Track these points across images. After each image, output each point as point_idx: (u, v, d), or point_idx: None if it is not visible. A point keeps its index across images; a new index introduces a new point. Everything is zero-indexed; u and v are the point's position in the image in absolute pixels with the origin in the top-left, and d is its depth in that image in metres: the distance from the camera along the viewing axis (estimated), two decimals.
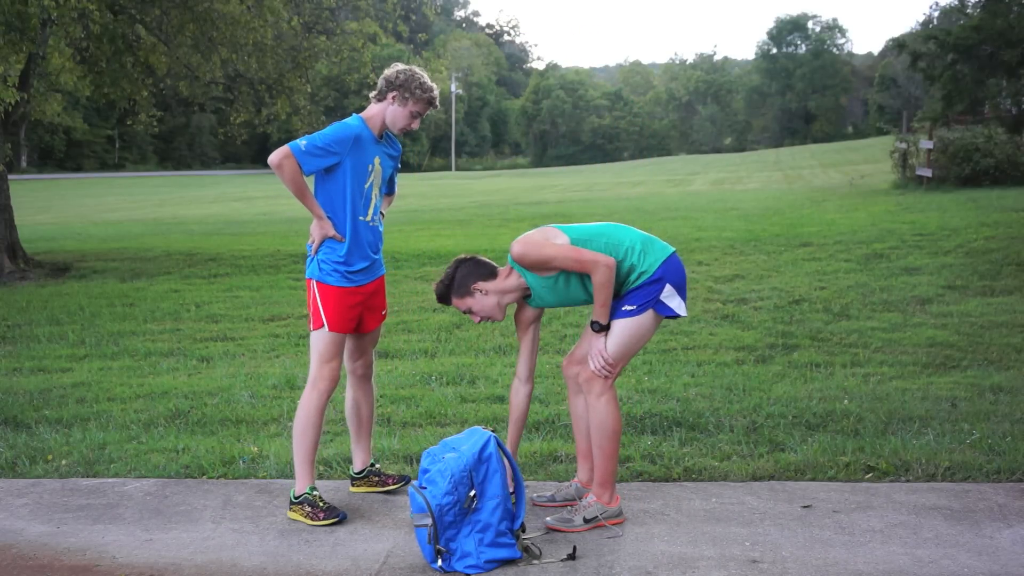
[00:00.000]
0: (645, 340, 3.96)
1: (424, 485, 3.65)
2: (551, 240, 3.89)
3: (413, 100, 4.09)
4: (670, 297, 3.87)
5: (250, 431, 5.41)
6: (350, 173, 4.06)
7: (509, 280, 4.01)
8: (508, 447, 4.00)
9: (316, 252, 4.14)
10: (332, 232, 4.09)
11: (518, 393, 4.20)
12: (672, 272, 3.89)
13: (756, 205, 20.62)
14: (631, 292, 3.89)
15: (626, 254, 3.88)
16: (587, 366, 3.96)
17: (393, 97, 4.10)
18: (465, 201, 27.80)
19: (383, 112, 4.14)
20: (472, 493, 3.59)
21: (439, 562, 3.56)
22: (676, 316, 3.91)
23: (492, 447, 3.66)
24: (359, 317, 4.21)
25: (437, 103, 4.19)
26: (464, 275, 4.02)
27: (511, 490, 3.74)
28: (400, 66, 4.18)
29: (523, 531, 3.71)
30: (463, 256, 4.12)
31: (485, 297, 4.01)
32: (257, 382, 6.47)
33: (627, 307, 3.88)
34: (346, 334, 4.20)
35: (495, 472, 3.63)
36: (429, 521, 3.57)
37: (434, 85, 4.16)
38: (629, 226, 4.03)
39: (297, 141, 4.01)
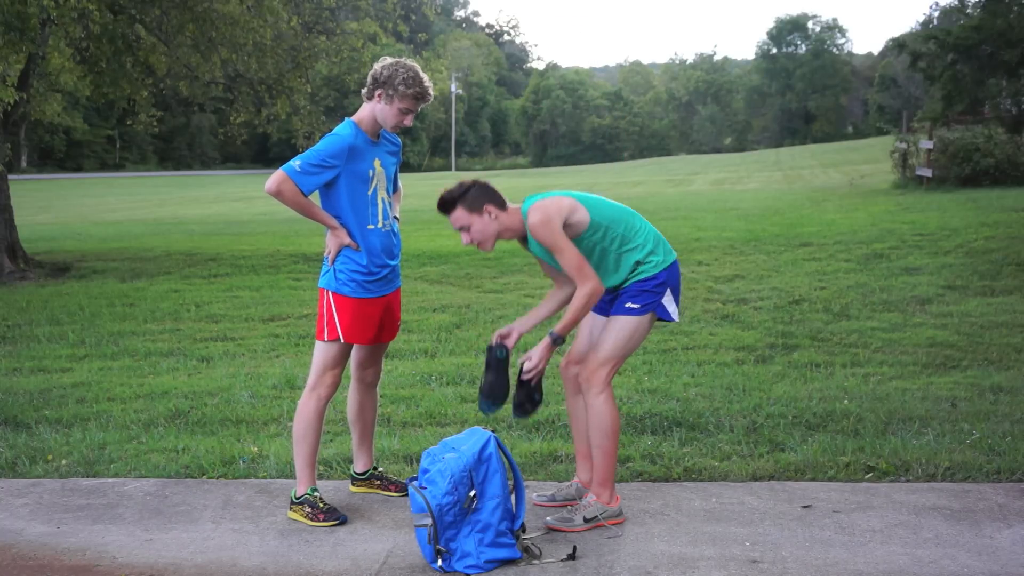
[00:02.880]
0: (642, 339, 4.00)
1: (424, 485, 3.65)
2: (569, 218, 3.83)
3: (399, 97, 3.94)
4: (669, 302, 3.93)
5: (250, 431, 5.41)
6: (350, 183, 3.97)
7: (513, 216, 3.94)
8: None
9: (333, 262, 4.06)
10: (348, 241, 4.01)
11: (560, 293, 4.12)
12: (673, 277, 3.96)
13: (756, 205, 20.62)
14: (635, 288, 3.90)
15: (637, 248, 3.90)
16: (585, 365, 3.97)
17: (379, 95, 3.97)
18: None
19: (372, 113, 4.02)
20: (472, 493, 3.59)
21: (439, 562, 3.56)
22: (671, 320, 3.98)
23: (492, 447, 3.66)
24: (379, 327, 4.15)
25: (429, 96, 4.01)
26: (480, 193, 3.90)
27: (511, 489, 3.74)
28: (387, 60, 4.01)
29: (523, 531, 3.71)
30: (477, 180, 3.98)
31: (491, 222, 3.90)
32: (257, 382, 6.47)
33: (631, 304, 3.89)
34: (362, 345, 4.15)
35: (495, 472, 3.63)
36: (429, 521, 3.57)
37: (424, 76, 3.98)
38: (643, 217, 4.05)
39: (291, 162, 3.92)
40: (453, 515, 3.57)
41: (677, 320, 3.99)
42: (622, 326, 3.90)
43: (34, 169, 62.02)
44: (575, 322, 3.85)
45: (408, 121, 4.04)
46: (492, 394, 3.96)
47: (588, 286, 3.78)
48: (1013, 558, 3.57)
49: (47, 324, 8.90)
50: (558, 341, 3.87)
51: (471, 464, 3.60)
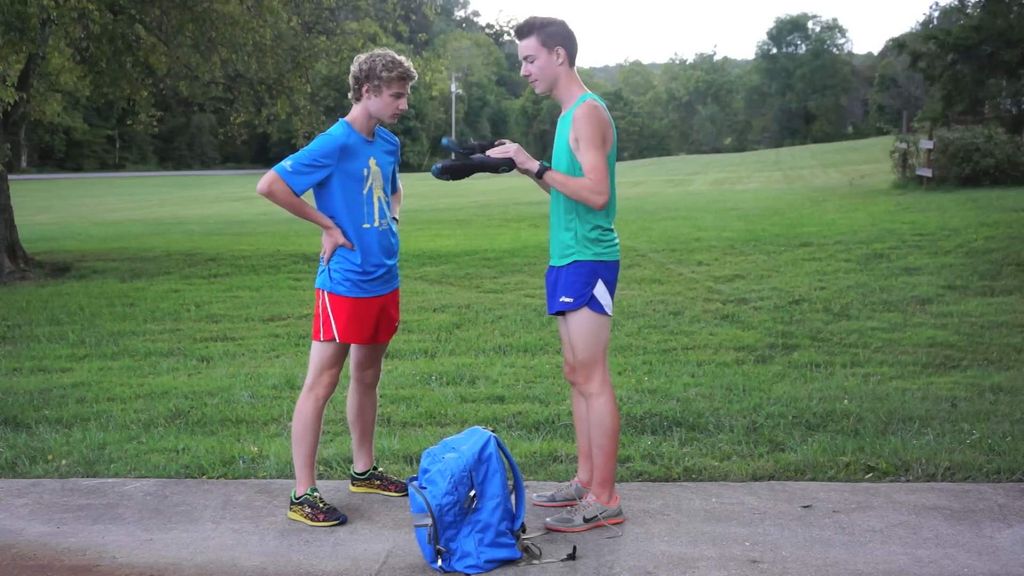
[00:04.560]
0: (605, 330, 3.94)
1: (424, 485, 3.65)
2: (606, 139, 3.80)
3: (386, 84, 3.95)
4: (603, 295, 3.89)
5: (250, 431, 5.41)
6: (343, 183, 3.97)
7: (575, 83, 3.91)
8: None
9: (328, 262, 4.06)
10: (342, 240, 4.01)
11: None
12: (607, 273, 3.91)
13: (756, 205, 20.61)
14: (570, 275, 3.87)
15: (592, 224, 3.87)
16: (576, 373, 3.97)
17: (367, 91, 3.98)
18: (465, 201, 27.79)
19: (365, 110, 4.02)
20: (472, 493, 3.59)
21: (439, 562, 3.56)
22: (604, 314, 3.92)
23: (492, 447, 3.66)
24: (375, 327, 4.14)
25: (413, 74, 4.02)
26: (560, 32, 3.86)
27: (510, 490, 3.74)
28: (361, 57, 4.03)
29: (523, 531, 3.71)
30: (564, 21, 3.93)
31: (556, 65, 3.87)
32: (257, 382, 6.47)
33: (565, 299, 3.89)
34: (360, 344, 4.15)
35: (495, 472, 3.63)
36: (429, 521, 3.57)
37: (402, 58, 4.00)
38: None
39: (282, 163, 3.94)
40: (453, 515, 3.57)
41: (610, 314, 3.95)
42: (577, 326, 3.90)
43: (34, 169, 62.05)
44: (561, 185, 3.80)
45: (403, 105, 4.03)
46: (452, 168, 3.89)
47: (596, 191, 3.74)
48: (1013, 558, 3.57)
49: (47, 324, 8.89)
50: (540, 173, 3.84)
51: (471, 464, 3.60)
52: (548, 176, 3.85)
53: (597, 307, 3.89)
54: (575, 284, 3.87)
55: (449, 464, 3.61)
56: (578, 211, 3.88)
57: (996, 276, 9.88)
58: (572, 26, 3.94)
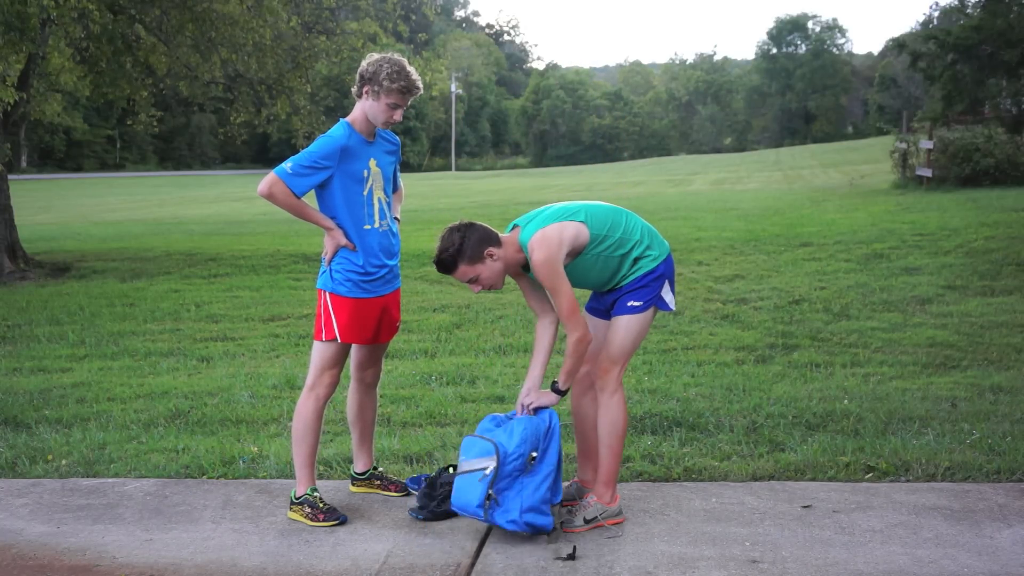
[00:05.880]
0: (647, 332, 4.05)
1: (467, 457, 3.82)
2: (573, 244, 3.80)
3: (385, 92, 3.89)
4: (667, 293, 3.98)
5: (250, 431, 5.41)
6: (344, 184, 3.95)
7: (513, 250, 3.88)
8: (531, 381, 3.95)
9: (330, 263, 4.05)
10: (344, 241, 3.99)
11: (547, 329, 4.00)
12: (669, 269, 4.01)
13: (756, 205, 20.61)
14: (634, 285, 3.92)
15: (634, 246, 3.93)
16: (597, 365, 3.98)
17: (366, 92, 3.93)
18: (465, 201, 27.80)
19: (364, 110, 3.98)
20: (534, 455, 3.74)
21: (485, 506, 3.69)
22: (669, 310, 4.03)
23: (556, 423, 3.85)
24: (376, 327, 4.13)
25: (416, 88, 3.95)
26: (477, 240, 3.82)
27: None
28: (374, 56, 3.96)
29: (561, 506, 3.91)
30: (464, 222, 3.90)
31: (495, 263, 3.84)
32: (257, 382, 6.47)
33: (633, 303, 3.92)
34: (361, 344, 4.15)
35: (555, 446, 3.81)
36: (492, 464, 3.69)
37: (410, 69, 3.93)
38: (633, 213, 4.07)
39: (283, 164, 3.91)
40: (513, 467, 3.71)
41: (674, 309, 4.06)
42: (627, 324, 3.93)
43: (34, 169, 61.98)
44: (575, 370, 3.89)
45: (398, 116, 3.99)
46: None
47: (576, 335, 3.80)
48: (1013, 558, 3.58)
49: (47, 324, 8.89)
50: (562, 392, 3.91)
51: (541, 431, 3.78)
52: (563, 383, 3.89)
53: (663, 306, 3.97)
54: (643, 290, 3.92)
55: (524, 422, 3.78)
56: (612, 271, 3.93)
57: (996, 276, 9.88)
58: (464, 221, 3.91)
